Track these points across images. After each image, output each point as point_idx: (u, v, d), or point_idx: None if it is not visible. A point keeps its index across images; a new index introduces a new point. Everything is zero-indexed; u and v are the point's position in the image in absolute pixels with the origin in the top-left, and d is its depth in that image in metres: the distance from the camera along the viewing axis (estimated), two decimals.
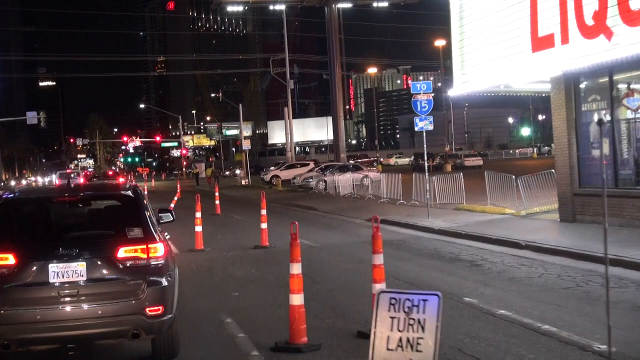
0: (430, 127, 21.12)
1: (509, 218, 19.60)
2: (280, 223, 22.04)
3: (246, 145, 56.14)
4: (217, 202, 29.16)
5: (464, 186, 24.32)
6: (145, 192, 45.74)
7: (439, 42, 67.94)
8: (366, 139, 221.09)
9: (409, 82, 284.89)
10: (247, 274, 13.43)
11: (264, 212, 17.30)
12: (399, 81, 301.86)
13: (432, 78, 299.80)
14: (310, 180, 42.92)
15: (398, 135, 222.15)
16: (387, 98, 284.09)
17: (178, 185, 46.24)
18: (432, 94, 20.84)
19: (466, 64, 18.22)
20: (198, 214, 17.45)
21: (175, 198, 29.74)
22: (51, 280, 6.78)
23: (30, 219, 7.69)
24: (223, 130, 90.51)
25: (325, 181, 41.52)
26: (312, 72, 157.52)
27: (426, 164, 25.25)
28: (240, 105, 74.97)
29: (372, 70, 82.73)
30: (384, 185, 30.61)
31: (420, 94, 20.90)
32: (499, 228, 17.55)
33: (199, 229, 17.11)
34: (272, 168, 62.89)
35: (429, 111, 20.99)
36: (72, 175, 61.18)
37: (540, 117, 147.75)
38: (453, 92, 19.63)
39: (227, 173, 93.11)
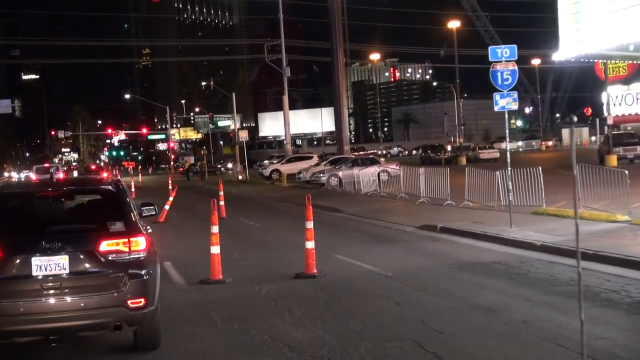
0: (515, 107, 16.09)
1: (627, 228, 14.48)
2: (303, 233, 17.05)
3: (243, 136, 50.83)
4: (223, 202, 23.87)
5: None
6: (133, 189, 40.55)
7: (453, 24, 62.75)
8: (354, 132, 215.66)
9: (397, 74, 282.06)
10: (313, 338, 7.98)
11: (310, 225, 11.98)
12: (387, 74, 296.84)
13: (420, 70, 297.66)
14: (321, 175, 37.71)
15: (386, 128, 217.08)
16: (375, 91, 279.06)
17: (170, 181, 40.80)
18: (515, 62, 15.70)
19: (582, 15, 13.10)
20: (215, 229, 12.00)
21: (171, 198, 24.35)
22: (34, 273, 6.82)
23: (14, 213, 7.65)
24: (215, 121, 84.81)
25: (338, 176, 36.37)
26: (300, 61, 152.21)
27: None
28: (234, 94, 69.54)
29: (375, 57, 77.32)
30: (410, 180, 25.74)
31: (501, 62, 15.78)
32: (636, 244, 12.47)
33: (215, 250, 11.76)
34: (267, 162, 57.80)
35: (512, 85, 15.94)
36: (51, 170, 55.56)
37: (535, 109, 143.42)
38: (559, 56, 14.45)
39: (218, 167, 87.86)
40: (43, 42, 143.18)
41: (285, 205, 28.54)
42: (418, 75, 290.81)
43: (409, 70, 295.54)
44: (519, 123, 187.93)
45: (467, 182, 21.70)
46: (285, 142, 60.18)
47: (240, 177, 52.97)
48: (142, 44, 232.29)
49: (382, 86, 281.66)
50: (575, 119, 8.74)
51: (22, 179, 41.86)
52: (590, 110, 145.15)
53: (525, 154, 75.28)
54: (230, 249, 14.70)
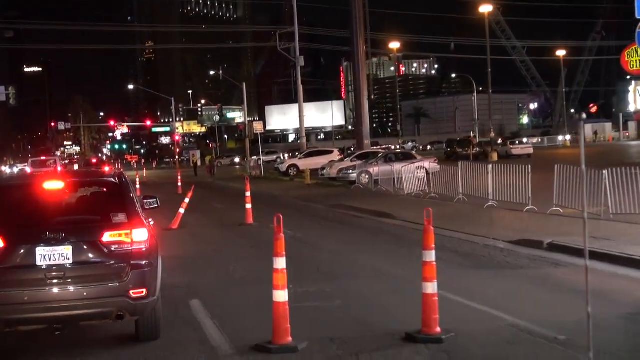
0: None
1: None
2: (363, 248, 12.93)
3: (259, 128, 46.46)
4: (249, 205, 19.54)
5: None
6: (138, 185, 36.25)
7: (485, 8, 58.31)
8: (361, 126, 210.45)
9: (402, 69, 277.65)
10: None
11: (430, 256, 7.54)
12: (392, 68, 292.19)
13: (426, 65, 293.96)
14: (351, 171, 33.43)
15: (390, 123, 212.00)
16: (381, 85, 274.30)
17: (179, 177, 36.59)
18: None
19: None
20: (280, 263, 7.37)
21: (187, 200, 19.97)
22: (38, 263, 6.92)
23: (18, 204, 7.64)
24: (224, 113, 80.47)
25: (369, 173, 32.14)
26: (306, 54, 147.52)
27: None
28: (244, 84, 65.21)
29: (395, 45, 72.69)
30: (456, 179, 22.08)
31: None
32: None
33: (281, 297, 7.27)
34: (284, 156, 53.65)
35: None
36: (48, 164, 51.44)
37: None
38: None
39: (224, 161, 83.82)
40: (45, 26, 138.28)
41: (318, 208, 24.28)
42: (423, 70, 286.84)
43: (415, 65, 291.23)
44: (525, 120, 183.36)
45: (555, 182, 17.43)
46: (300, 136, 56.03)
47: (254, 173, 48.70)
48: (145, 29, 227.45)
49: (387, 81, 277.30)
50: (585, 116, 7.38)
51: (15, 173, 37.63)
52: (595, 107, 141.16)
53: (555, 150, 70.85)
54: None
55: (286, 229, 17.97)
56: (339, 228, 18.14)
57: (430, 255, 7.29)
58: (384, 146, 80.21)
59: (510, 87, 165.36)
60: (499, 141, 62.93)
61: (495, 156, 51.45)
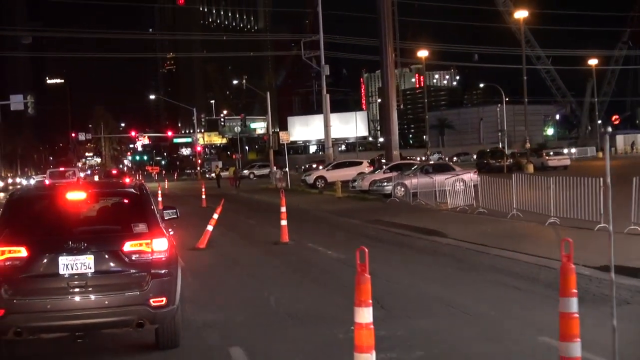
0: None
1: None
2: (423, 274, 10.96)
3: (285, 139, 44.56)
4: (285, 222, 17.59)
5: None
6: (160, 198, 34.43)
7: (520, 14, 56.13)
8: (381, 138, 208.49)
9: (422, 80, 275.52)
10: None
11: None
12: (412, 80, 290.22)
13: (447, 77, 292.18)
14: (385, 184, 31.43)
15: (411, 135, 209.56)
16: (401, 97, 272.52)
17: (203, 190, 34.73)
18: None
19: None
20: (366, 316, 5.32)
21: (215, 216, 17.97)
22: (61, 272, 7.00)
23: (42, 214, 7.75)
24: (247, 123, 78.75)
25: (405, 185, 30.15)
26: (329, 62, 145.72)
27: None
28: (268, 93, 63.47)
29: (423, 54, 70.53)
30: (504, 193, 20.03)
31: None
32: None
33: None
34: (312, 166, 51.73)
35: None
36: (66, 175, 49.90)
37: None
38: None
39: (246, 172, 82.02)
40: (66, 34, 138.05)
41: (356, 224, 22.32)
42: (445, 82, 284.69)
43: (436, 76, 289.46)
44: (550, 131, 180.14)
45: (634, 197, 15.36)
46: (326, 147, 54.09)
47: (279, 185, 46.82)
48: (165, 37, 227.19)
49: (408, 92, 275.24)
50: (610, 129, 8.65)
51: (32, 185, 36.11)
52: (619, 118, 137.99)
53: (589, 162, 68.39)
54: (348, 319, 8.48)
55: (328, 249, 16.15)
56: (386, 248, 16.15)
57: (572, 305, 5.32)
58: (407, 157, 78.03)
59: (534, 97, 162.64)
60: (517, 152, 60.69)
61: (531, 168, 49.29)
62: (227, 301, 10.69)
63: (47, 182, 46.83)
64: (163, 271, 7.19)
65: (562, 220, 17.56)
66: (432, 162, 46.98)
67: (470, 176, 28.81)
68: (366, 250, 5.35)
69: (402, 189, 30.20)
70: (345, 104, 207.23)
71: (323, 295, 10.75)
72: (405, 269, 13.08)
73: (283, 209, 17.79)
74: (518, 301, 9.85)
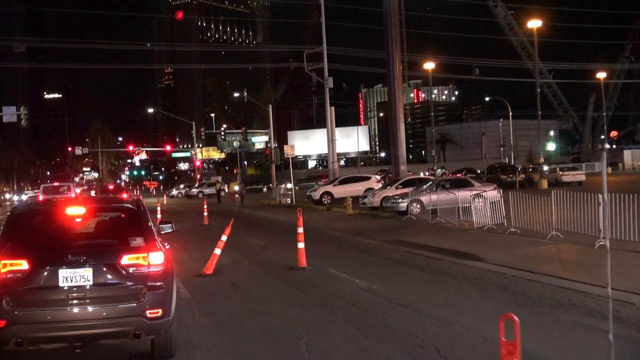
0: None
1: None
2: (475, 309, 8.84)
3: (290, 153, 42.61)
4: (302, 244, 15.56)
5: None
6: (159, 215, 32.38)
7: (534, 23, 54.33)
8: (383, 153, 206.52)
9: (422, 95, 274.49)
10: None
11: None
12: (411, 95, 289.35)
13: (446, 92, 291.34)
14: (400, 200, 29.46)
15: (410, 147, 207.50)
16: (405, 111, 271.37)
17: (205, 207, 32.68)
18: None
19: None
20: None
21: (224, 237, 15.87)
22: (61, 284, 7.13)
23: (43, 228, 7.91)
24: (248, 137, 76.84)
25: (421, 202, 28.20)
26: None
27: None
28: (270, 106, 61.67)
29: (430, 66, 68.54)
30: (540, 210, 18.41)
31: None
32: None
33: None
34: (319, 182, 49.72)
35: None
36: (61, 190, 47.84)
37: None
38: None
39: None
40: (66, 44, 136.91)
41: (375, 245, 20.33)
42: (444, 97, 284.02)
43: (435, 91, 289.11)
44: (551, 147, 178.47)
45: None
46: (331, 161, 52.15)
47: (282, 201, 44.83)
48: (163, 48, 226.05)
49: (406, 107, 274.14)
50: (607, 145, 7.91)
51: (23, 202, 34.16)
52: (617, 133, 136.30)
53: (599, 178, 66.31)
54: None
55: (353, 277, 13.97)
56: (419, 275, 14.17)
57: None
58: (410, 173, 75.96)
59: (535, 112, 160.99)
60: (530, 167, 58.81)
61: (545, 183, 47.35)
62: (245, 348, 8.71)
63: (40, 197, 44.79)
64: (159, 283, 7.32)
65: (614, 243, 15.57)
66: (442, 177, 44.96)
67: (490, 192, 26.90)
68: (516, 319, 3.36)
69: (418, 206, 28.27)
70: (343, 119, 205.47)
71: (361, 340, 8.78)
72: (451, 304, 11.07)
73: (300, 230, 15.78)
74: (623, 353, 7.81)
